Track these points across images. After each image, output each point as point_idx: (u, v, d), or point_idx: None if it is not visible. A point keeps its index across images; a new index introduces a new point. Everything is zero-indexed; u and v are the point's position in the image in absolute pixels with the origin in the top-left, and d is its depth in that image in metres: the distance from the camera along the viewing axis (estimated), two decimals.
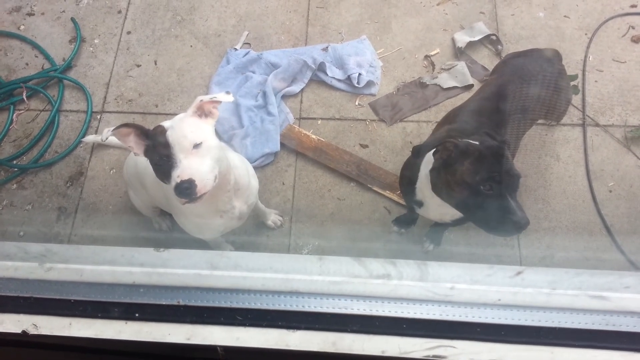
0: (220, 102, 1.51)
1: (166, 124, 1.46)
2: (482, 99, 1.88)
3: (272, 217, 2.34)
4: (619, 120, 2.53)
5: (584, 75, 2.64)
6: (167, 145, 1.40)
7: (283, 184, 2.49)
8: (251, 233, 2.37)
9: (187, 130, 1.42)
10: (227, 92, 1.53)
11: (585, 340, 0.92)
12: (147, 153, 1.48)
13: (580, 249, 2.25)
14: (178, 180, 1.36)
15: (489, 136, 1.59)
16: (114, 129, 1.45)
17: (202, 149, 1.42)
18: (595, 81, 2.63)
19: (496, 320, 0.92)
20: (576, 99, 2.58)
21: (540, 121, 2.32)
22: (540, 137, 2.50)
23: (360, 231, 2.37)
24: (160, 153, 1.41)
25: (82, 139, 2.62)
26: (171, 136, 1.41)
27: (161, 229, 2.38)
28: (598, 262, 2.20)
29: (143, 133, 1.48)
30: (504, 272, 0.93)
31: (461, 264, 0.94)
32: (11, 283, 0.98)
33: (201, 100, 1.48)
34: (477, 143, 1.51)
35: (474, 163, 1.45)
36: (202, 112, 1.51)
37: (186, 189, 1.36)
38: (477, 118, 1.79)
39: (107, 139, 1.46)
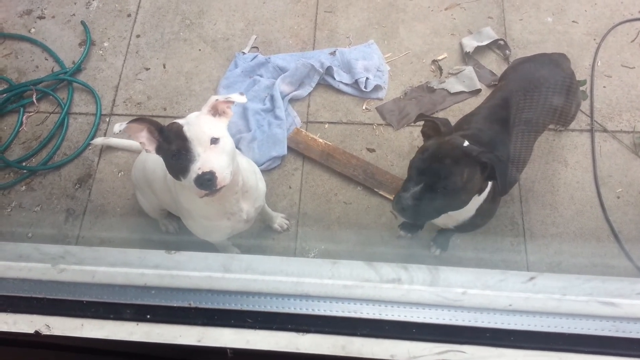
0: (234, 102, 1.54)
1: (180, 121, 1.48)
2: (493, 106, 1.88)
3: (279, 221, 2.35)
4: (627, 126, 2.52)
5: (592, 80, 2.64)
6: (184, 141, 1.42)
7: (290, 187, 2.49)
8: (257, 236, 2.38)
9: (205, 127, 1.45)
10: (241, 93, 1.57)
11: (595, 346, 0.91)
12: (160, 150, 1.49)
13: (588, 255, 2.25)
14: (199, 172, 1.38)
15: (492, 149, 1.65)
16: (126, 124, 1.46)
17: (219, 145, 1.45)
18: (604, 87, 2.63)
19: (506, 326, 0.92)
20: (584, 105, 2.57)
21: (550, 125, 2.32)
22: (548, 142, 2.50)
23: (366, 235, 2.37)
24: (177, 148, 1.43)
25: (91, 141, 2.64)
26: (189, 131, 1.43)
27: (168, 231, 2.39)
28: (606, 269, 2.19)
29: (157, 129, 1.49)
30: (517, 278, 0.93)
31: (473, 269, 0.94)
32: (25, 284, 0.99)
33: (216, 100, 1.52)
34: (459, 138, 1.58)
35: (430, 145, 1.57)
36: (216, 112, 1.54)
37: (208, 180, 1.38)
38: (489, 125, 1.80)
39: (118, 132, 1.47)
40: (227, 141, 1.49)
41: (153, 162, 1.90)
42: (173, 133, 1.45)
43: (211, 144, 1.43)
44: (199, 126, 1.44)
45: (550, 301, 0.91)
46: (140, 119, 1.48)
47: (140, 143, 1.50)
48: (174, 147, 1.43)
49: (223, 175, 1.41)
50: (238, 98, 1.54)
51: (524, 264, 2.24)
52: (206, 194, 1.42)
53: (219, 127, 1.49)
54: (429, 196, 1.50)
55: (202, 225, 1.79)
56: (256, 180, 1.81)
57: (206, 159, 1.41)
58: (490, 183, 1.66)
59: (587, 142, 2.50)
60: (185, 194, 1.66)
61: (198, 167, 1.39)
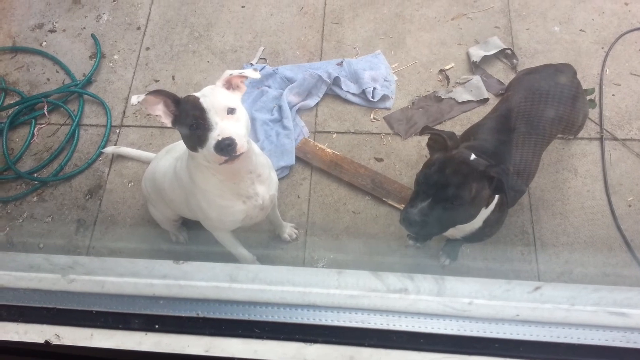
0: (248, 77, 1.59)
1: (196, 94, 1.52)
2: (499, 117, 1.88)
3: (288, 230, 2.35)
4: (637, 134, 2.50)
5: (600, 89, 2.63)
6: (202, 111, 1.46)
7: (298, 197, 2.50)
8: (267, 246, 2.38)
9: (221, 97, 1.49)
10: (255, 69, 1.61)
11: (605, 357, 0.90)
12: (177, 122, 1.53)
13: (599, 265, 2.22)
14: (219, 138, 1.42)
15: (499, 160, 1.65)
16: (144, 95, 1.49)
17: (235, 114, 1.49)
18: (613, 95, 2.62)
19: (514, 336, 0.91)
20: (593, 113, 2.56)
21: (557, 135, 2.31)
22: (558, 151, 2.49)
23: (375, 245, 2.36)
24: (194, 119, 1.46)
25: (103, 150, 2.68)
26: (205, 102, 1.47)
27: (178, 241, 2.40)
28: (618, 278, 2.16)
29: (173, 102, 1.53)
30: (523, 288, 0.92)
31: (479, 279, 0.94)
32: (35, 294, 1.00)
33: (230, 74, 1.57)
34: (465, 151, 1.57)
35: (437, 159, 1.55)
36: (230, 85, 1.59)
37: (228, 145, 1.42)
38: (496, 136, 1.79)
39: (136, 103, 1.50)
40: (243, 112, 1.54)
41: (163, 166, 1.92)
42: (190, 105, 1.48)
43: (227, 113, 1.48)
44: (215, 97, 1.48)
45: (558, 311, 0.90)
46: (157, 91, 1.52)
47: (157, 116, 1.54)
48: (192, 118, 1.47)
49: (242, 142, 1.45)
50: (251, 73, 1.59)
51: (535, 274, 2.22)
52: (225, 160, 1.45)
53: (234, 98, 1.54)
54: (436, 211, 1.49)
55: (217, 207, 1.74)
56: (269, 167, 1.83)
57: (224, 126, 1.45)
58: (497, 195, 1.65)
59: (597, 151, 2.48)
60: (200, 175, 1.66)
61: (217, 134, 1.43)
